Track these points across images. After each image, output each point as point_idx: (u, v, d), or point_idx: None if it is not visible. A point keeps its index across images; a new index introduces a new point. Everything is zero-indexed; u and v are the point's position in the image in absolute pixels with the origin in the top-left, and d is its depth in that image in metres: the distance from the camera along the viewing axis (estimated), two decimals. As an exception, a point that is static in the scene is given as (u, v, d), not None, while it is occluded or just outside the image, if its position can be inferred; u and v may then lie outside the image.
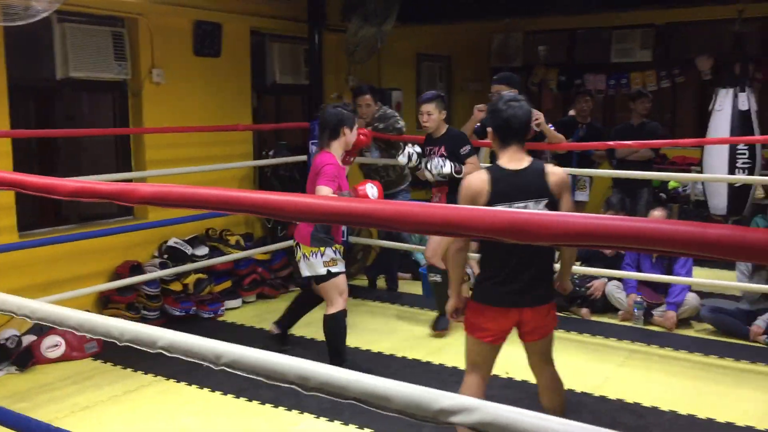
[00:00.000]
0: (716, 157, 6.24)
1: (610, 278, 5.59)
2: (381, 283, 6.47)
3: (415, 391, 1.20)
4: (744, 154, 6.12)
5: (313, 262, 4.22)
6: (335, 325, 4.34)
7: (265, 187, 6.47)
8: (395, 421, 2.83)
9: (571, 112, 7.01)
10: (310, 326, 5.37)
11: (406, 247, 6.47)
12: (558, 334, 5.10)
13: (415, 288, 6.28)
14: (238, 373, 1.35)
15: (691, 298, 5.34)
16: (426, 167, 4.80)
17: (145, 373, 4.39)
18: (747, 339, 4.97)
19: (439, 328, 5.11)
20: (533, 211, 2.78)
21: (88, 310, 4.88)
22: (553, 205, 2.96)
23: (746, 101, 6.15)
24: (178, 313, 5.38)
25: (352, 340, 5.01)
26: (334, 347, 4.35)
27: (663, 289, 5.44)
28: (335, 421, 3.74)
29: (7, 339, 4.51)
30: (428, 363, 4.61)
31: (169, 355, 1.43)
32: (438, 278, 4.99)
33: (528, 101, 3.11)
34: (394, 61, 8.14)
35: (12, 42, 4.75)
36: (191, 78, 5.89)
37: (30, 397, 4.12)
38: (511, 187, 2.94)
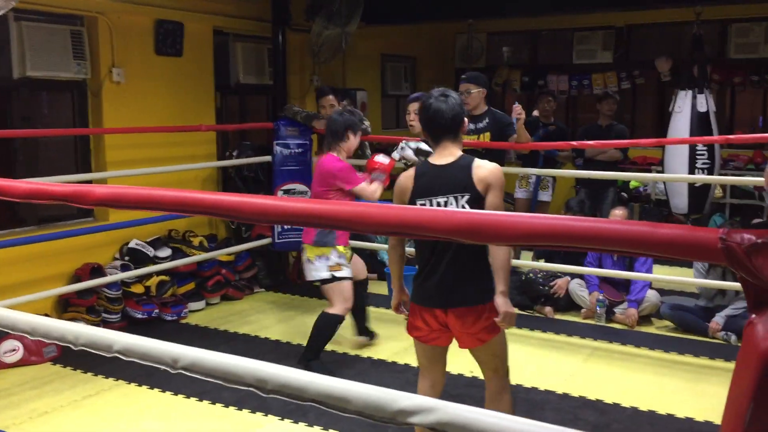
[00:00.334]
0: (677, 158, 6.35)
1: (573, 276, 5.66)
2: (346, 283, 6.45)
3: (373, 391, 1.19)
4: (703, 154, 6.23)
5: (318, 266, 4.28)
6: (327, 324, 4.36)
7: (230, 188, 6.42)
8: (360, 422, 2.83)
9: (535, 113, 7.07)
10: (275, 327, 5.35)
11: (372, 247, 6.47)
12: (522, 332, 5.18)
13: (381, 288, 6.27)
14: (196, 376, 1.34)
15: (652, 296, 5.43)
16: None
17: (106, 377, 4.32)
18: (706, 335, 5.07)
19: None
20: (454, 207, 2.76)
21: (47, 314, 4.83)
22: (475, 201, 2.80)
23: (705, 103, 6.27)
24: (140, 316, 5.31)
25: (305, 339, 5.00)
26: (314, 344, 4.39)
27: (624, 287, 5.53)
28: (300, 423, 3.73)
29: (-38, 344, 4.40)
30: (393, 363, 4.62)
31: (125, 359, 1.41)
32: None
33: (456, 96, 2.93)
34: (359, 61, 8.14)
35: (-34, 40, 4.64)
36: (153, 78, 5.81)
37: (-14, 403, 4.03)
38: (434, 182, 2.84)
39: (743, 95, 8.87)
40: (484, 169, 2.82)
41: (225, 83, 6.70)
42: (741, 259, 0.94)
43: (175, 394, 4.10)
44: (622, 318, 5.42)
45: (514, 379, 4.24)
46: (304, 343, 4.95)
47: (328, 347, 4.88)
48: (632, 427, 3.73)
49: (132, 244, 5.52)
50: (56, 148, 5.69)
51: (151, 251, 5.55)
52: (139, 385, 4.21)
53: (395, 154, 4.79)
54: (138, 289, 5.37)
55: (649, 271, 5.45)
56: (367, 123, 5.93)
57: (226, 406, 3.95)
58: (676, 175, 6.25)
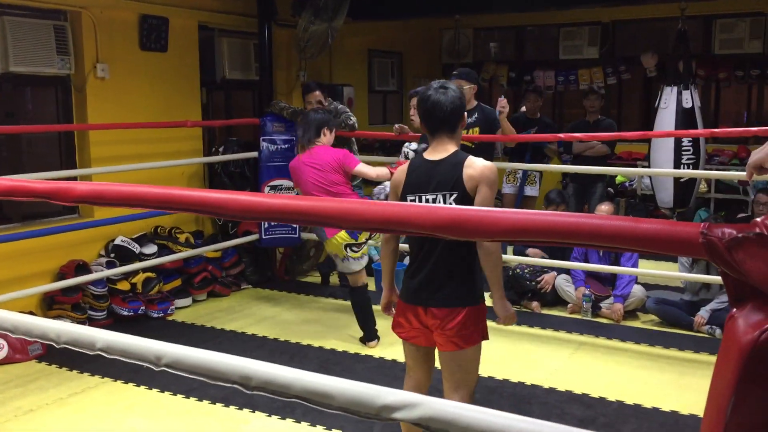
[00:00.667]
0: (662, 153, 6.38)
1: (559, 271, 5.69)
2: (334, 279, 6.46)
3: (357, 387, 1.19)
4: (689, 150, 6.27)
5: (356, 254, 4.69)
6: (363, 297, 4.83)
7: (216, 184, 6.40)
8: (348, 418, 2.83)
9: (523, 109, 7.10)
10: (262, 323, 5.34)
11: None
12: (509, 327, 5.16)
13: (368, 284, 6.27)
14: (179, 373, 1.33)
15: (637, 291, 5.46)
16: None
17: (92, 375, 4.30)
18: (691, 329, 5.11)
19: None
20: (442, 204, 2.69)
21: (32, 312, 4.80)
22: (463, 200, 2.72)
23: (690, 99, 6.30)
24: (126, 313, 5.28)
25: (305, 338, 5.00)
26: (364, 321, 4.83)
27: (610, 282, 5.56)
28: (287, 419, 3.72)
29: (-55, 343, 4.36)
30: (381, 359, 4.62)
31: (108, 356, 1.40)
32: None
33: (458, 89, 2.85)
34: (346, 56, 8.12)
35: (-52, 35, 4.58)
36: (137, 73, 5.77)
37: (-30, 402, 4.00)
38: (424, 178, 2.78)
39: (728, 91, 8.93)
40: (474, 167, 2.73)
41: (211, 79, 6.67)
42: (722, 254, 0.95)
43: (162, 391, 4.08)
44: (608, 312, 5.45)
45: (502, 373, 4.28)
46: (292, 339, 4.97)
47: (315, 343, 4.89)
48: (618, 421, 3.75)
49: (117, 241, 5.49)
50: (40, 145, 5.64)
51: (136, 248, 5.52)
52: (125, 383, 4.20)
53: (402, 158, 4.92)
54: (124, 286, 5.34)
55: (634, 266, 5.48)
56: (354, 119, 5.92)
57: (213, 402, 3.94)
58: (662, 169, 6.28)
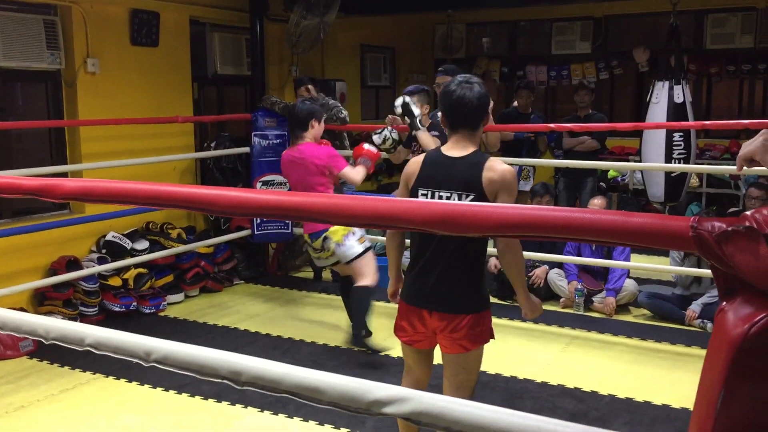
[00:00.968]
0: (654, 148, 6.40)
1: (552, 265, 5.70)
2: (326, 274, 6.45)
3: (347, 382, 1.19)
4: (680, 144, 6.29)
5: (349, 245, 4.36)
6: (365, 296, 4.46)
7: (208, 180, 6.38)
8: (339, 413, 2.82)
9: (515, 104, 7.11)
10: (254, 319, 5.34)
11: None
12: (501, 322, 5.20)
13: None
14: (169, 369, 1.32)
15: (630, 285, 5.48)
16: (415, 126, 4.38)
17: (83, 371, 4.29)
18: (683, 323, 5.13)
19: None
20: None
21: (23, 308, 4.78)
22: (480, 202, 2.56)
23: (681, 93, 6.32)
24: (117, 309, 5.26)
25: (298, 333, 5.00)
26: (360, 319, 4.47)
27: (602, 276, 5.58)
28: (280, 415, 3.72)
29: (-64, 339, 4.34)
30: (375, 354, 4.62)
31: (97, 352, 1.39)
32: None
33: (483, 85, 2.77)
34: (338, 52, 8.11)
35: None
36: (128, 68, 5.74)
37: (-39, 398, 3.98)
38: (441, 175, 2.69)
39: (719, 86, 8.96)
40: (495, 171, 2.63)
41: (202, 74, 6.64)
42: (711, 247, 0.95)
43: (154, 387, 4.07)
44: (600, 307, 5.46)
45: (494, 368, 4.28)
46: (285, 335, 4.96)
47: (308, 339, 4.88)
48: (610, 415, 3.76)
49: (109, 237, 5.46)
50: (31, 140, 5.61)
51: (128, 244, 5.50)
52: (117, 379, 4.18)
53: (376, 137, 4.76)
54: (115, 282, 5.32)
55: (627, 260, 5.50)
56: (344, 113, 5.91)
57: (206, 398, 3.93)
58: (654, 164, 6.30)
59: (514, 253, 2.72)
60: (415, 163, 2.79)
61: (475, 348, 2.73)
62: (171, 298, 5.67)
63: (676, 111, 6.29)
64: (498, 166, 2.66)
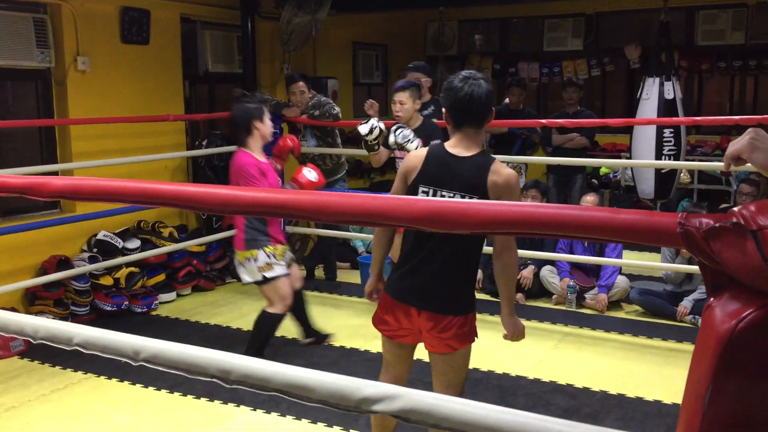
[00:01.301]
0: (644, 144, 6.41)
1: (544, 263, 5.71)
2: (319, 272, 6.45)
3: (336, 380, 1.19)
4: (670, 141, 6.30)
5: (249, 269, 4.08)
6: (267, 323, 4.22)
7: (200, 178, 6.35)
8: (333, 412, 2.81)
9: (506, 101, 7.11)
10: (247, 318, 5.32)
11: (345, 235, 6.46)
12: (494, 319, 5.17)
13: (354, 277, 6.27)
14: (158, 368, 1.32)
15: (621, 281, 5.50)
16: (394, 132, 4.28)
17: (74, 371, 4.27)
18: (674, 319, 5.15)
19: None
20: None
21: (14, 308, 4.76)
22: None
23: (672, 90, 6.33)
24: (109, 308, 5.25)
25: (290, 331, 4.99)
26: (255, 343, 4.18)
27: (595, 273, 5.59)
28: (272, 413, 3.72)
29: (-75, 340, 4.32)
30: (366, 352, 4.62)
31: (86, 351, 1.38)
32: None
33: (489, 81, 2.68)
34: (330, 49, 8.09)
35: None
36: (119, 66, 5.72)
37: (-49, 399, 3.96)
38: (444, 173, 2.61)
39: (710, 82, 8.99)
40: (500, 175, 2.56)
41: (193, 72, 6.62)
42: (699, 244, 0.95)
43: (146, 386, 4.06)
44: (592, 303, 5.48)
45: (487, 365, 4.29)
46: (277, 333, 4.93)
47: (301, 336, 4.87)
48: (602, 411, 3.78)
49: (100, 236, 5.44)
50: (21, 139, 5.58)
51: (119, 243, 5.48)
52: (109, 378, 4.17)
53: (362, 128, 4.52)
54: (107, 281, 5.30)
55: (618, 257, 5.51)
56: (337, 109, 5.90)
57: (198, 397, 3.92)
58: (643, 161, 6.31)
59: (510, 255, 2.65)
60: (417, 157, 2.69)
61: (462, 348, 2.70)
62: (163, 297, 5.65)
63: (666, 107, 6.30)
64: (503, 171, 2.59)
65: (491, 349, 4.56)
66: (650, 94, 6.36)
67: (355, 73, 8.86)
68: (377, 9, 7.75)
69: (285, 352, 4.63)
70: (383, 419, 2.91)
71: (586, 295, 5.54)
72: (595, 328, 5.06)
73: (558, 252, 5.63)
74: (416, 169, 2.65)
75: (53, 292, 5.02)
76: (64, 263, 5.14)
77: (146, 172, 5.82)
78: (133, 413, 3.78)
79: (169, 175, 6.25)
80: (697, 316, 5.05)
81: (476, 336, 2.75)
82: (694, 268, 4.95)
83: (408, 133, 4.28)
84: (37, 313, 4.77)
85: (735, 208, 0.95)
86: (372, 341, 4.75)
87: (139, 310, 5.38)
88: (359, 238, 6.44)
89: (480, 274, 5.84)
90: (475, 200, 2.52)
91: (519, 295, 5.67)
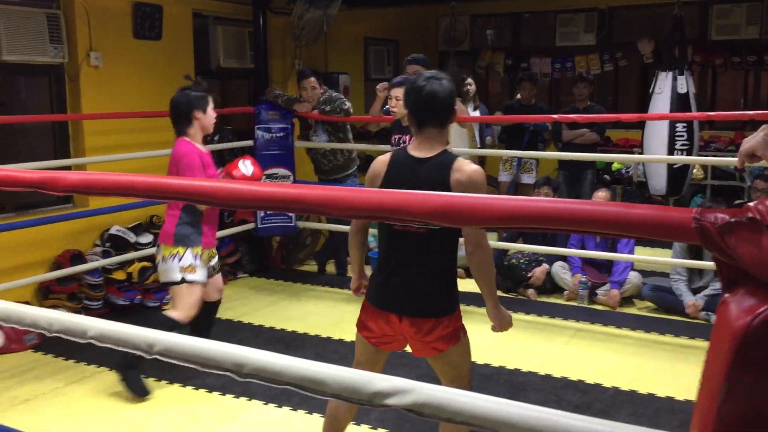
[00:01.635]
0: (656, 140, 6.36)
1: (555, 259, 5.69)
2: (330, 268, 6.46)
3: (349, 374, 1.19)
4: (682, 135, 6.24)
5: (170, 266, 3.76)
6: (161, 327, 3.67)
7: (211, 173, 6.37)
8: (379, 413, 2.81)
9: (518, 96, 7.09)
10: (258, 312, 5.35)
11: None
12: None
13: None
14: (172, 361, 1.33)
15: (634, 277, 5.47)
16: None
17: (88, 364, 4.30)
18: (686, 315, 5.12)
19: None
20: None
21: (28, 302, 4.79)
22: None
23: (685, 84, 6.28)
24: (122, 303, 5.28)
25: (302, 326, 5.01)
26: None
27: (606, 268, 5.57)
28: (284, 407, 3.73)
29: (-59, 333, 4.36)
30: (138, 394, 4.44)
31: (100, 345, 1.39)
32: None
33: (451, 81, 2.67)
34: (341, 44, 8.09)
35: (-61, 24, 4.55)
36: (131, 62, 5.74)
37: (-33, 392, 4.00)
38: (407, 176, 2.57)
39: (724, 77, 8.91)
40: (464, 172, 2.54)
41: (205, 67, 6.63)
42: (714, 239, 0.94)
43: (158, 380, 4.08)
44: (604, 299, 5.46)
45: (498, 360, 4.29)
46: (288, 328, 4.97)
47: (311, 332, 4.88)
48: (613, 407, 3.77)
49: (113, 231, 5.47)
50: (34, 134, 5.61)
51: (132, 237, 5.51)
52: (122, 372, 4.19)
53: None
54: (120, 275, 5.33)
55: (631, 252, 5.49)
56: (348, 104, 5.91)
57: (210, 391, 3.94)
58: (654, 155, 6.27)
59: (483, 253, 2.58)
60: (381, 163, 2.68)
61: (448, 348, 2.63)
62: (175, 291, 5.67)
63: (679, 102, 6.24)
64: (466, 167, 2.56)
65: (502, 345, 4.56)
66: (663, 88, 6.31)
67: (367, 68, 8.85)
68: (389, 4, 7.74)
69: (296, 345, 4.64)
70: (335, 421, 2.87)
71: (597, 291, 5.52)
72: (607, 324, 5.04)
73: (569, 247, 5.61)
74: (381, 174, 2.65)
75: (67, 286, 5.06)
76: (77, 258, 5.17)
77: (158, 166, 5.81)
78: (146, 407, 3.81)
79: (181, 170, 6.26)
80: (709, 312, 5.02)
81: (464, 333, 2.70)
82: (706, 264, 4.92)
83: None
84: (50, 308, 4.80)
85: (751, 203, 0.95)
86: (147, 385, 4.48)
87: (151, 305, 5.41)
88: (370, 233, 6.44)
89: None
90: None
91: (530, 291, 5.66)
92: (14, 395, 3.93)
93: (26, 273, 4.82)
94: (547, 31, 9.27)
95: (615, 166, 8.43)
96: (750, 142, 1.48)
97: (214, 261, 4.05)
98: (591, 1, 8.66)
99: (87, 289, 5.17)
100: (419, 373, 3.74)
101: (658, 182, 6.34)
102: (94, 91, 5.47)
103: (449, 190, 2.50)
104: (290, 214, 6.13)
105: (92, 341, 1.40)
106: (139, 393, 3.84)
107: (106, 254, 5.29)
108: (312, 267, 6.58)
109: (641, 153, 6.84)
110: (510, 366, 4.26)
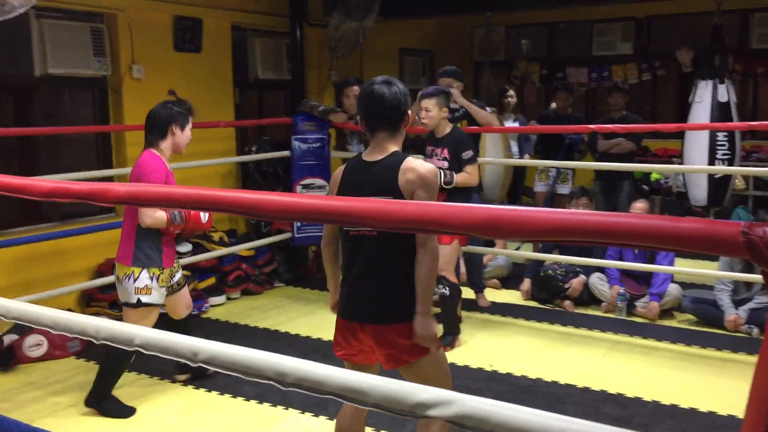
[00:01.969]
0: (696, 149, 6.27)
1: (593, 270, 5.63)
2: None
3: (391, 385, 1.20)
4: (724, 145, 6.15)
5: (126, 287, 3.67)
6: (121, 357, 3.73)
7: (249, 183, 6.45)
8: (379, 416, 2.81)
9: (553, 106, 7.05)
10: (295, 321, 5.38)
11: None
12: (542, 326, 5.16)
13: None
14: (217, 369, 1.35)
15: (674, 289, 5.38)
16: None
17: (128, 371, 4.35)
18: (728, 329, 5.02)
19: (444, 344, 4.65)
20: None
21: (70, 309, 4.89)
22: None
23: (726, 93, 6.18)
24: (162, 311, 5.34)
25: (324, 333, 5.01)
26: (104, 384, 3.80)
27: (645, 280, 5.49)
28: (320, 416, 3.75)
29: (-12, 339, 4.47)
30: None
31: (146, 353, 1.42)
32: (446, 291, 4.59)
33: (404, 85, 2.66)
34: (377, 56, 8.13)
35: (-11, 39, 4.70)
36: (172, 74, 5.85)
37: (11, 397, 4.09)
38: (359, 181, 2.57)
39: (766, 86, 8.74)
40: (412, 171, 2.50)
41: (243, 79, 6.73)
42: (763, 253, 0.93)
43: (197, 388, 4.14)
44: (643, 311, 5.38)
45: (535, 372, 4.25)
46: (324, 337, 4.98)
47: (315, 334, 4.88)
48: (654, 421, 3.71)
49: (153, 240, 5.56)
50: (78, 145, 5.75)
51: (171, 246, 5.58)
52: (161, 380, 4.26)
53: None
54: (159, 284, 5.41)
55: (670, 264, 5.39)
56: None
57: (248, 399, 3.98)
58: (694, 166, 6.16)
59: (425, 252, 2.48)
60: (338, 171, 2.70)
61: (418, 358, 2.52)
62: (213, 300, 5.75)
63: (720, 110, 6.15)
64: (417, 166, 2.52)
65: (539, 356, 4.53)
66: (703, 97, 6.22)
67: (402, 79, 8.78)
68: (424, 15, 7.77)
69: (332, 355, 4.64)
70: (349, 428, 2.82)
71: (636, 303, 5.44)
72: (647, 337, 4.97)
73: (607, 259, 5.54)
74: (337, 182, 2.66)
75: (108, 294, 5.15)
76: (118, 266, 5.26)
77: (198, 177, 5.93)
78: (183, 414, 3.86)
79: (220, 181, 6.36)
80: (752, 326, 4.91)
81: (438, 346, 2.59)
82: (754, 277, 4.81)
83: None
84: (93, 315, 4.89)
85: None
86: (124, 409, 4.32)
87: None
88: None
89: (527, 283, 5.79)
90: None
91: (567, 303, 5.61)
92: (57, 401, 4.01)
93: (69, 281, 4.93)
94: (583, 41, 9.21)
95: (653, 176, 8.32)
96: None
97: (178, 276, 3.94)
98: (628, 10, 8.59)
99: (127, 297, 5.25)
100: (457, 384, 3.72)
101: (699, 193, 6.24)
102: (136, 102, 5.58)
103: (398, 191, 2.49)
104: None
105: (139, 349, 1.44)
106: (126, 414, 3.81)
107: (146, 263, 5.37)
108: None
109: (681, 163, 6.75)
110: (547, 378, 4.22)
